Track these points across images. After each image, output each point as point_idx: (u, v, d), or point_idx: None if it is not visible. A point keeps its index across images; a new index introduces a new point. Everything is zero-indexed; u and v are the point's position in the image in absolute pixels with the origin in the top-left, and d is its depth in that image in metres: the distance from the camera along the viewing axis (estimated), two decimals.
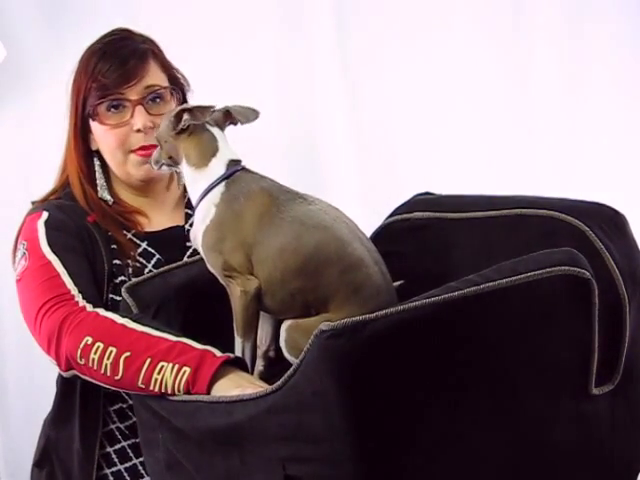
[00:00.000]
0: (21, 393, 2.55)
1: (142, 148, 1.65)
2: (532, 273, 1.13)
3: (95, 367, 1.40)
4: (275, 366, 1.42)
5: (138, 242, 1.71)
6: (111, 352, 1.38)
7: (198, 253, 1.45)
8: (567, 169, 2.47)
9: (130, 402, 1.64)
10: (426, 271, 1.49)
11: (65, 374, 1.50)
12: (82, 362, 1.42)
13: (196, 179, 1.42)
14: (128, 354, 1.37)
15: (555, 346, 1.18)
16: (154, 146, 1.52)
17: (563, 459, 1.21)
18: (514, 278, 1.13)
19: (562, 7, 2.49)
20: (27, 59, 2.47)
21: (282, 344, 1.35)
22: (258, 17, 2.52)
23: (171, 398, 1.33)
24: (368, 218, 1.58)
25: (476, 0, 2.50)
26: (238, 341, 1.39)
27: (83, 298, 1.51)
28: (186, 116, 1.41)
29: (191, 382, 1.31)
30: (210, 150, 1.42)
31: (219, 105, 1.44)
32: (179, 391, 1.32)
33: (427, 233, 1.54)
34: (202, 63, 2.28)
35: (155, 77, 1.68)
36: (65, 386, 1.67)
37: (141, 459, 1.63)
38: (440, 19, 2.50)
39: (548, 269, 1.15)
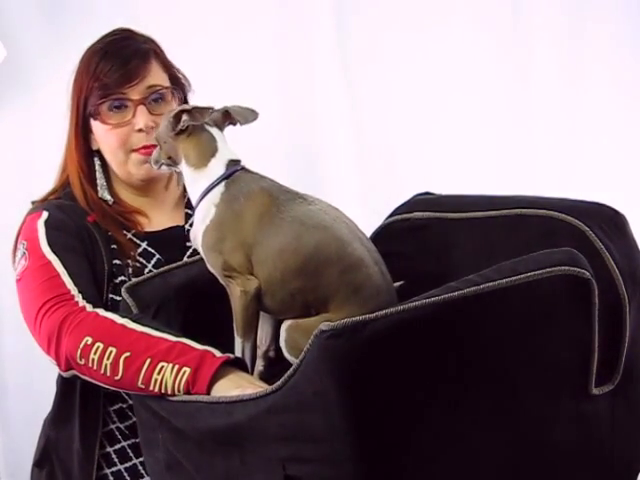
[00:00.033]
0: (21, 393, 2.55)
1: (144, 147, 1.65)
2: (532, 273, 1.13)
3: (95, 367, 1.40)
4: (275, 366, 1.42)
5: (138, 242, 1.71)
6: (111, 352, 1.38)
7: (198, 253, 1.45)
8: (567, 169, 2.48)
9: (130, 402, 1.64)
10: (426, 271, 1.49)
11: (65, 374, 1.50)
12: (82, 362, 1.42)
13: (196, 179, 1.42)
14: (128, 354, 1.37)
15: (555, 346, 1.18)
16: (156, 145, 1.53)
17: (563, 459, 1.21)
18: (514, 278, 1.12)
19: (562, 7, 2.49)
20: (27, 59, 2.47)
21: (282, 344, 1.35)
22: (258, 17, 2.52)
23: (171, 398, 1.33)
24: (368, 218, 1.58)
25: (476, 0, 2.51)
26: (238, 341, 1.39)
27: (83, 298, 1.51)
28: (185, 117, 1.41)
29: (191, 382, 1.31)
30: (209, 150, 1.42)
31: (218, 105, 1.44)
32: (179, 391, 1.32)
33: (427, 233, 1.54)
34: (201, 63, 2.28)
35: (157, 77, 1.68)
36: (65, 386, 1.67)
37: (141, 459, 1.63)
38: (440, 19, 2.51)
39: (548, 269, 1.15)
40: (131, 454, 1.68)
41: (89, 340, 1.41)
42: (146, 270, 1.67)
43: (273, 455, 1.18)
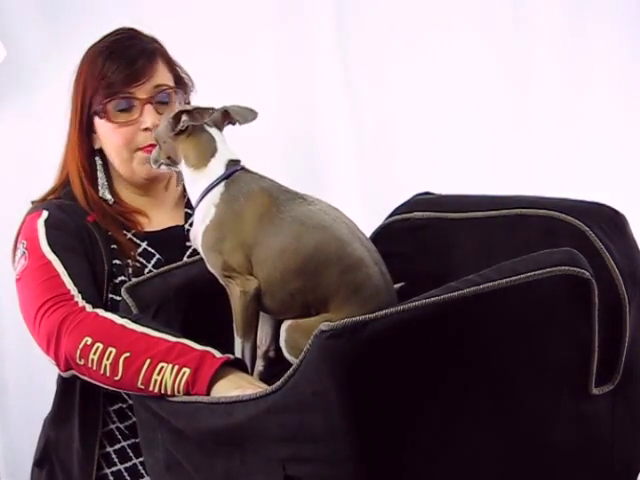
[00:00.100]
0: (21, 393, 2.55)
1: (150, 146, 1.65)
2: (532, 273, 1.13)
3: (94, 367, 1.40)
4: (275, 366, 1.42)
5: (138, 242, 1.71)
6: (110, 352, 1.38)
7: (198, 253, 1.45)
8: (567, 169, 2.48)
9: (130, 402, 1.64)
10: (426, 271, 1.49)
11: (64, 374, 1.50)
12: (81, 362, 1.42)
13: (195, 179, 1.42)
14: (128, 355, 1.37)
15: (555, 346, 1.18)
16: None
17: (563, 459, 1.21)
18: (514, 278, 1.12)
19: (562, 7, 2.49)
20: (27, 59, 2.47)
21: (282, 344, 1.35)
22: (258, 17, 2.52)
23: (171, 399, 1.33)
24: (368, 218, 1.58)
25: (476, 0, 2.51)
26: (238, 341, 1.39)
27: (83, 298, 1.51)
28: (185, 117, 1.41)
29: (191, 383, 1.31)
30: (209, 151, 1.42)
31: (218, 105, 1.44)
32: (179, 392, 1.32)
33: (427, 233, 1.54)
34: (201, 63, 2.27)
35: (163, 77, 1.69)
36: (65, 386, 1.67)
37: (141, 459, 1.63)
38: (440, 19, 2.50)
39: (548, 269, 1.14)
40: (131, 454, 1.68)
41: (89, 340, 1.41)
42: (146, 270, 1.67)
43: (273, 455, 1.18)
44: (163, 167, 1.49)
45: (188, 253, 1.71)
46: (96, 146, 1.73)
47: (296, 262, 1.33)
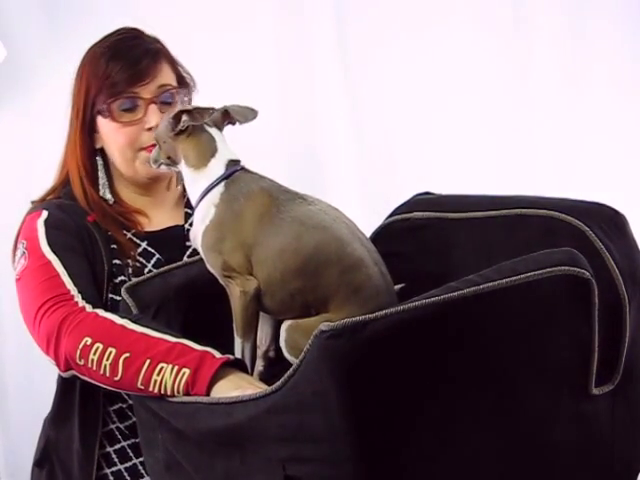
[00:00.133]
0: (21, 393, 2.55)
1: (153, 146, 1.65)
2: (532, 273, 1.13)
3: (94, 368, 1.40)
4: (275, 366, 1.42)
5: (138, 242, 1.71)
6: (110, 353, 1.38)
7: (198, 253, 1.45)
8: (567, 169, 2.48)
9: (130, 402, 1.64)
10: (426, 271, 1.49)
11: (64, 374, 1.50)
12: (81, 363, 1.42)
13: (195, 179, 1.42)
14: (127, 355, 1.37)
15: (555, 346, 1.18)
16: None
17: (563, 459, 1.21)
18: (514, 278, 1.12)
19: (562, 6, 2.49)
20: (27, 59, 2.47)
21: (282, 344, 1.35)
22: (258, 17, 2.52)
23: (170, 399, 1.33)
24: (368, 218, 1.58)
25: (476, 0, 2.50)
26: (238, 341, 1.39)
27: (83, 298, 1.51)
28: (185, 117, 1.41)
29: (190, 383, 1.31)
30: (209, 151, 1.42)
31: (218, 105, 1.44)
32: (178, 392, 1.32)
33: (427, 233, 1.54)
34: (201, 63, 2.27)
35: (167, 77, 1.69)
36: (65, 386, 1.67)
37: (141, 459, 1.63)
38: (440, 18, 2.51)
39: (548, 269, 1.14)
40: (131, 454, 1.68)
41: (88, 340, 1.41)
42: (146, 270, 1.67)
43: (273, 455, 1.18)
44: (163, 167, 1.49)
45: (188, 253, 1.71)
46: (97, 146, 1.73)
47: (296, 262, 1.33)
